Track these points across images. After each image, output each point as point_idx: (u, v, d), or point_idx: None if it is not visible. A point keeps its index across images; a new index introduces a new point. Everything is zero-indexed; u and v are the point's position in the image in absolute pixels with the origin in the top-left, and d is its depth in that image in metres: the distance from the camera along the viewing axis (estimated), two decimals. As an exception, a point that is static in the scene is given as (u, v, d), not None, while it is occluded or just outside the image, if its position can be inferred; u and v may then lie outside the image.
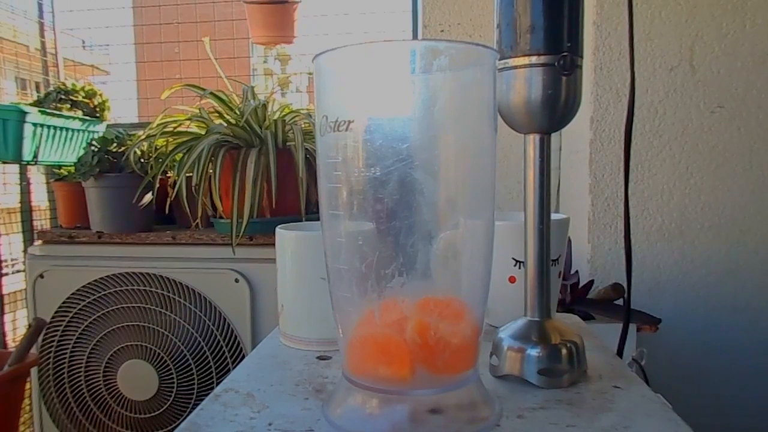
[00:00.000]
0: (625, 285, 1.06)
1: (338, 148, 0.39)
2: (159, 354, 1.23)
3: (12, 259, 1.59)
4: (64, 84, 1.46)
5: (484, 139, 0.41)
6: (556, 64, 0.46)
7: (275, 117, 1.26)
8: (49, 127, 1.30)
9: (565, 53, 0.46)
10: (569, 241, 1.13)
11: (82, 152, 1.34)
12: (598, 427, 0.42)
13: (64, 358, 1.29)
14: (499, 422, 0.42)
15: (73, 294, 1.27)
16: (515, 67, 0.48)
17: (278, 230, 0.64)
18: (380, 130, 0.38)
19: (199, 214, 1.17)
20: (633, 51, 0.60)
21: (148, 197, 1.27)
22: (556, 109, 0.48)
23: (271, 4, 1.54)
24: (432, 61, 0.38)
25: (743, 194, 1.18)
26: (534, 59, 0.47)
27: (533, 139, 0.50)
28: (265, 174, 1.14)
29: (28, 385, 1.30)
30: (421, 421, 0.40)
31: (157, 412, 1.25)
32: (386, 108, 0.39)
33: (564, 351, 0.50)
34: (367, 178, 0.38)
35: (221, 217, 1.23)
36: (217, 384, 1.25)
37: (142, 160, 1.27)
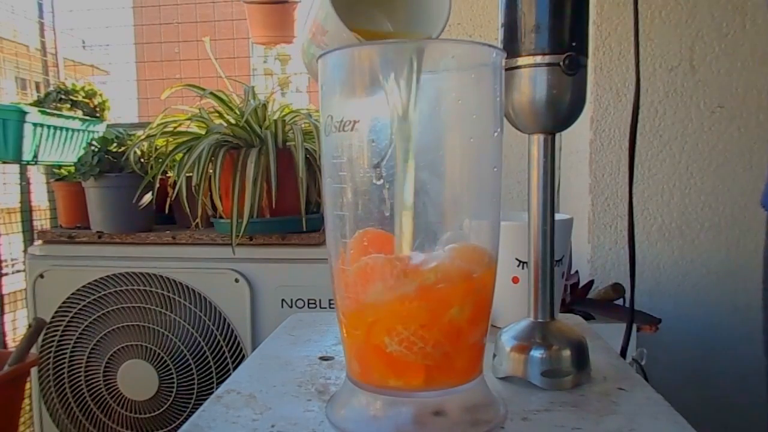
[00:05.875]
0: (624, 285, 1.06)
1: (343, 148, 0.39)
2: (159, 354, 1.23)
3: (12, 259, 1.59)
4: (64, 84, 1.45)
5: (490, 140, 0.41)
6: (560, 63, 0.46)
7: (275, 117, 1.25)
8: (49, 127, 1.30)
9: (569, 53, 0.46)
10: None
11: (82, 152, 1.34)
12: (603, 429, 0.41)
13: (64, 358, 1.29)
14: (503, 425, 0.42)
15: (73, 294, 1.27)
16: (520, 67, 0.47)
17: None
18: (386, 130, 0.38)
19: (199, 214, 1.17)
20: (638, 50, 0.60)
21: (148, 197, 1.26)
22: (560, 109, 0.48)
23: (271, 4, 1.54)
24: (438, 61, 0.38)
25: (743, 194, 1.18)
26: (539, 59, 0.47)
27: (537, 139, 0.50)
28: (265, 174, 1.14)
29: (28, 385, 1.29)
30: (425, 424, 0.40)
31: (157, 412, 1.25)
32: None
33: (567, 352, 0.50)
34: (372, 178, 0.38)
35: (221, 217, 1.22)
36: (217, 384, 1.25)
37: (142, 160, 1.27)
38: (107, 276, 1.25)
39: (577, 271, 1.14)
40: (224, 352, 1.22)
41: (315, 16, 0.44)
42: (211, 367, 1.22)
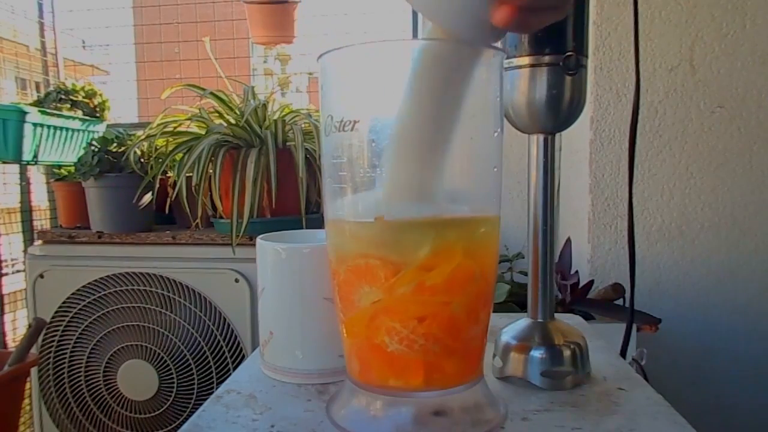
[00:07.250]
0: (624, 285, 1.06)
1: (343, 148, 0.39)
2: (159, 354, 1.23)
3: (12, 259, 1.59)
4: (64, 84, 1.45)
5: (490, 140, 0.41)
6: (560, 63, 0.46)
7: (275, 117, 1.25)
8: (49, 127, 1.30)
9: (569, 53, 0.46)
10: (569, 240, 1.13)
11: (82, 152, 1.34)
12: (603, 429, 0.42)
13: (64, 358, 1.29)
14: (503, 425, 0.42)
15: (73, 294, 1.27)
16: (520, 67, 0.48)
17: (261, 242, 0.54)
18: (386, 130, 0.38)
19: (199, 214, 1.17)
20: (638, 50, 0.60)
21: (148, 197, 1.26)
22: (560, 109, 0.48)
23: (271, 4, 1.54)
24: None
25: (743, 194, 1.18)
26: (539, 59, 0.47)
27: (537, 140, 0.50)
28: (265, 174, 1.14)
29: (28, 385, 1.30)
30: (425, 423, 0.40)
31: (157, 412, 1.25)
32: (392, 108, 0.38)
33: (567, 352, 0.50)
34: (372, 178, 0.38)
35: (221, 217, 1.22)
36: (218, 384, 1.25)
37: (142, 160, 1.27)
38: (107, 276, 1.25)
39: (577, 271, 1.14)
40: (224, 352, 1.22)
41: None
42: (211, 367, 1.22)
